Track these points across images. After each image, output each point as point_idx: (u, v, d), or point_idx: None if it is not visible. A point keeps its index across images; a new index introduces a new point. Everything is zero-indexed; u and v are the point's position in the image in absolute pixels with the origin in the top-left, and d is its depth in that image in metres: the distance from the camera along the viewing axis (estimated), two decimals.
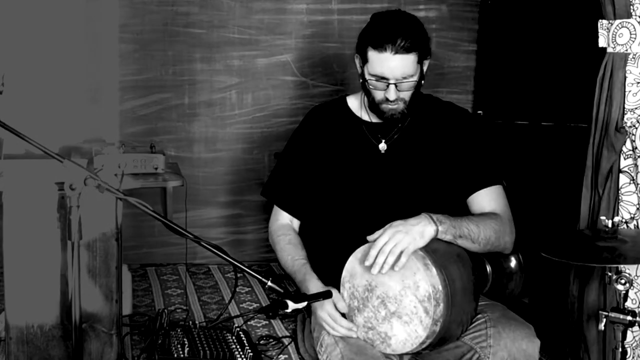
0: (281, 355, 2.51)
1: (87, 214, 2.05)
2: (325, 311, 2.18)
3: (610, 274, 2.01)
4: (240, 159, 3.74)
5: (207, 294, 3.22)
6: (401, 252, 2.04)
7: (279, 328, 2.75)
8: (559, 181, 3.32)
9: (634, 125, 2.36)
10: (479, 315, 2.17)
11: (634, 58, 2.34)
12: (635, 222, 2.38)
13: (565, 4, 3.37)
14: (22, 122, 2.15)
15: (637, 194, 2.38)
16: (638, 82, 2.35)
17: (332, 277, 2.24)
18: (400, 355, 2.16)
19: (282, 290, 2.08)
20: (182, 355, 2.30)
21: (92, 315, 2.27)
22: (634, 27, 2.32)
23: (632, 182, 2.39)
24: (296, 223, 2.50)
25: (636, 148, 2.36)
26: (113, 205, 2.24)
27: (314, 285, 2.25)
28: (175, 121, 3.67)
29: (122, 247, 2.34)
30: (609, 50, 2.40)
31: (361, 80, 2.34)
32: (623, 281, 1.99)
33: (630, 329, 2.07)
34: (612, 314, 1.99)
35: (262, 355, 2.46)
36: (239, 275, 3.33)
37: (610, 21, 2.38)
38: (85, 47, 3.45)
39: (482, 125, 2.53)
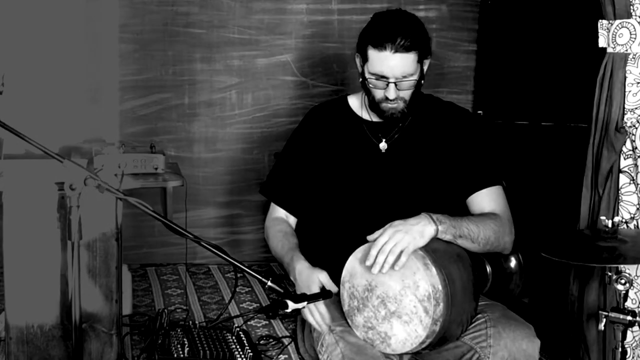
0: (281, 355, 2.52)
1: (87, 214, 2.05)
2: (315, 287, 2.19)
3: (610, 274, 2.01)
4: (240, 159, 3.74)
5: (207, 294, 3.22)
6: (401, 252, 2.04)
7: (279, 328, 2.75)
8: (559, 181, 3.31)
9: (634, 125, 2.36)
10: (479, 315, 2.17)
11: (634, 58, 2.34)
12: (635, 222, 2.38)
13: (565, 4, 3.36)
14: (22, 122, 2.15)
15: (637, 194, 2.38)
16: (638, 82, 2.34)
17: (331, 276, 2.24)
18: (400, 355, 2.15)
19: (282, 290, 2.08)
20: (182, 355, 2.30)
21: (92, 315, 2.27)
22: (634, 27, 2.32)
23: (632, 182, 2.39)
24: (292, 219, 2.51)
25: (636, 148, 2.36)
26: (113, 205, 2.24)
27: (301, 265, 2.26)
28: (175, 121, 3.67)
29: (122, 247, 2.34)
30: (609, 50, 2.40)
31: (361, 79, 2.35)
32: (623, 281, 1.99)
33: (630, 329, 2.07)
34: (612, 314, 1.99)
35: (262, 355, 2.46)
36: (239, 275, 3.34)
37: (610, 21, 2.38)
38: (85, 47, 3.45)
39: (482, 126, 2.53)
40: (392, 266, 2.04)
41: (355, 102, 2.49)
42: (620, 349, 2.01)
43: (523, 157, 3.53)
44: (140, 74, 3.61)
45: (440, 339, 2.07)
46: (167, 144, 3.59)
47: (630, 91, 2.36)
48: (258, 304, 3.08)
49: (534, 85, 3.54)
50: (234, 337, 2.45)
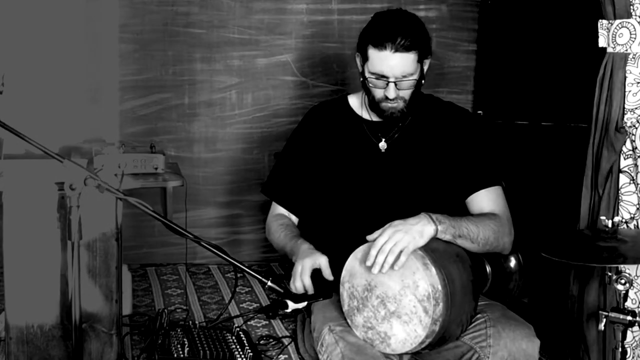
0: (281, 355, 2.51)
1: (87, 214, 2.05)
2: (301, 265, 2.21)
3: (610, 274, 2.01)
4: (240, 159, 3.74)
5: (207, 294, 3.22)
6: (401, 252, 2.05)
7: (279, 328, 2.75)
8: (559, 181, 3.31)
9: (634, 125, 2.36)
10: (479, 315, 2.17)
11: (634, 58, 2.34)
12: (635, 222, 2.38)
13: (565, 4, 3.36)
14: (22, 122, 2.15)
15: (637, 194, 2.38)
16: (638, 82, 2.34)
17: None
18: (400, 355, 2.15)
19: (282, 290, 2.08)
20: (182, 355, 2.30)
21: (92, 315, 2.27)
22: (634, 27, 2.32)
23: (632, 182, 2.39)
24: (293, 218, 2.52)
25: (636, 148, 2.36)
26: (113, 205, 2.24)
27: (305, 247, 2.27)
28: (175, 121, 3.67)
29: (122, 247, 2.33)
30: (609, 50, 2.40)
31: (361, 79, 2.35)
32: (623, 281, 1.99)
33: (630, 329, 2.08)
34: (612, 314, 1.99)
35: (262, 355, 2.46)
36: (239, 275, 3.33)
37: (610, 21, 2.38)
38: (85, 47, 3.45)
39: (482, 126, 2.53)
40: (392, 266, 2.05)
41: (355, 102, 2.49)
42: (620, 349, 2.01)
43: (523, 157, 3.53)
44: (140, 74, 3.61)
45: (440, 339, 2.07)
46: (167, 144, 3.59)
47: (630, 91, 2.36)
48: (258, 304, 3.07)
49: (534, 85, 3.54)
50: (234, 337, 2.44)
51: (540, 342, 2.11)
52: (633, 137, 2.36)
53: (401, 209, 2.21)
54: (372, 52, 2.26)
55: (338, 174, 2.41)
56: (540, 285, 2.93)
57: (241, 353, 2.33)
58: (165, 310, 2.57)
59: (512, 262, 2.49)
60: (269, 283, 2.07)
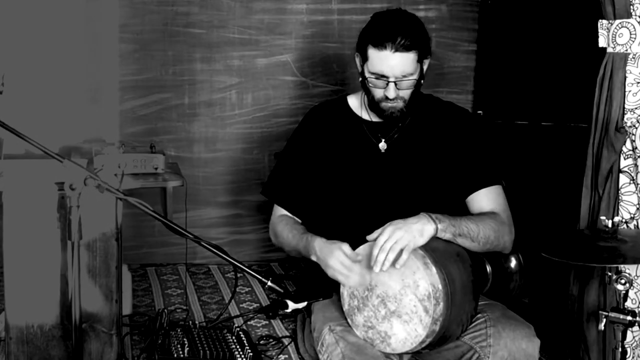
0: (281, 355, 2.51)
1: (87, 214, 2.05)
2: (335, 259, 2.16)
3: (610, 274, 2.01)
4: (240, 159, 3.74)
5: (207, 294, 3.22)
6: (401, 250, 2.05)
7: (279, 328, 2.75)
8: (559, 181, 3.31)
9: (634, 125, 2.36)
10: (479, 315, 2.17)
11: (634, 58, 2.34)
12: (635, 222, 2.38)
13: (565, 4, 3.36)
14: (22, 122, 2.15)
15: (637, 194, 2.38)
16: (638, 82, 2.35)
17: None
18: (400, 355, 2.16)
19: (282, 290, 2.08)
20: (182, 355, 2.30)
21: (92, 315, 2.27)
22: (634, 27, 2.32)
23: (632, 182, 2.39)
24: (296, 218, 2.51)
25: (636, 148, 2.36)
26: (113, 205, 2.24)
27: (319, 242, 2.24)
28: (175, 121, 3.67)
29: (122, 247, 2.33)
30: (609, 50, 2.40)
31: (361, 79, 2.35)
32: (623, 281, 1.99)
33: (630, 329, 2.08)
34: (612, 314, 1.99)
35: (262, 355, 2.46)
36: (239, 275, 3.33)
37: (610, 21, 2.38)
38: (85, 47, 3.45)
39: (482, 125, 2.54)
40: (393, 264, 2.05)
41: (355, 102, 2.49)
42: (620, 349, 2.01)
43: (523, 157, 3.53)
44: (140, 74, 3.61)
45: (440, 339, 2.07)
46: (167, 144, 3.59)
47: (630, 91, 2.36)
48: (258, 304, 3.08)
49: (534, 85, 3.54)
50: (234, 337, 2.44)
51: (540, 342, 2.11)
52: (633, 137, 2.36)
53: (401, 209, 2.21)
54: (372, 52, 2.26)
55: (338, 174, 2.41)
56: (541, 285, 2.93)
57: (241, 353, 2.33)
58: (165, 310, 2.57)
59: (513, 262, 2.49)
60: (269, 283, 2.07)
